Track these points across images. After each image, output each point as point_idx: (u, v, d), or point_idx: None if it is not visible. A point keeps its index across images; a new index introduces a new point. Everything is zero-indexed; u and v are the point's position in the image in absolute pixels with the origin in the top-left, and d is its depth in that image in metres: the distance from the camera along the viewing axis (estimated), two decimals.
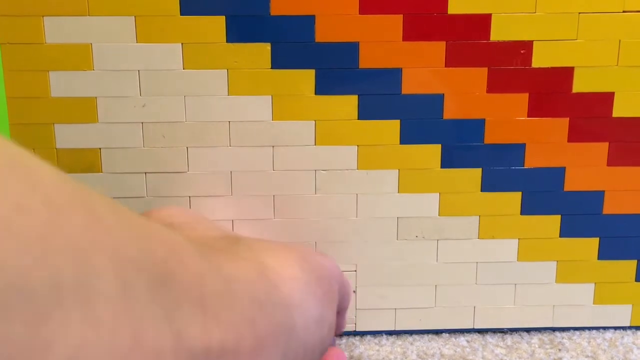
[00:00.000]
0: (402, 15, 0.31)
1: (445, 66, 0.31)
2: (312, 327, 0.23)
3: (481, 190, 0.33)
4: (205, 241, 0.23)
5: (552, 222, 0.33)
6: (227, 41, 0.31)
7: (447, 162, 0.33)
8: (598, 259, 0.34)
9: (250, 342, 0.19)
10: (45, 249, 0.12)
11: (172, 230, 0.19)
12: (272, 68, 0.31)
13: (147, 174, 0.32)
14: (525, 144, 0.32)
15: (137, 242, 0.15)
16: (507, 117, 0.32)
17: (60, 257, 0.13)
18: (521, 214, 0.33)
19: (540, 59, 0.31)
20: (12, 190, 0.12)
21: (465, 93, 0.32)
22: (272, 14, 0.30)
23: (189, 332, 0.16)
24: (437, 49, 0.31)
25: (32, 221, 0.12)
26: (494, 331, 0.35)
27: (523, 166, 0.33)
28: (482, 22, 0.31)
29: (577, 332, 0.35)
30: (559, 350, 0.33)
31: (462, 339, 0.35)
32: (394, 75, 0.31)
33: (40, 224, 0.12)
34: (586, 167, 0.33)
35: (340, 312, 0.28)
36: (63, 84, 0.31)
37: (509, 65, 0.31)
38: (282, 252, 0.24)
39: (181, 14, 0.30)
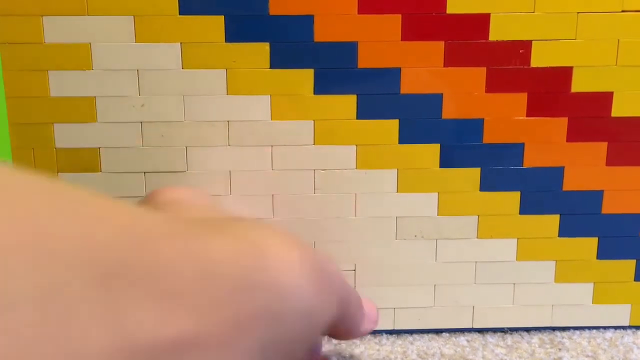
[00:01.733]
0: (400, 15, 0.31)
1: (444, 66, 0.31)
2: (301, 320, 0.21)
3: (480, 190, 0.33)
4: (198, 219, 0.22)
5: (551, 222, 0.33)
6: (226, 41, 0.31)
7: (446, 161, 0.33)
8: (597, 258, 0.34)
9: (219, 326, 0.17)
10: None
11: (148, 211, 0.18)
12: (270, 68, 0.31)
13: (146, 173, 0.32)
14: (524, 143, 0.32)
15: (76, 231, 0.14)
16: (505, 117, 0.32)
17: None
18: (520, 213, 0.33)
19: (539, 59, 0.31)
20: None
21: (464, 93, 0.32)
22: (270, 13, 0.30)
23: (137, 325, 0.15)
24: (436, 48, 0.31)
25: None
26: (494, 331, 0.35)
27: (522, 166, 0.33)
28: (480, 21, 0.31)
29: (577, 332, 0.35)
30: (559, 349, 0.33)
31: (462, 339, 0.34)
32: (392, 75, 0.31)
33: None
34: (585, 167, 0.33)
35: (349, 330, 0.27)
36: (62, 84, 0.31)
37: (508, 65, 0.31)
38: (285, 238, 0.22)
39: (180, 14, 0.30)
